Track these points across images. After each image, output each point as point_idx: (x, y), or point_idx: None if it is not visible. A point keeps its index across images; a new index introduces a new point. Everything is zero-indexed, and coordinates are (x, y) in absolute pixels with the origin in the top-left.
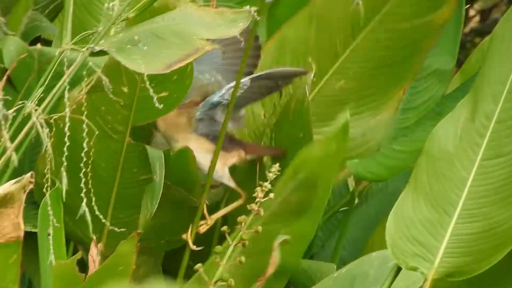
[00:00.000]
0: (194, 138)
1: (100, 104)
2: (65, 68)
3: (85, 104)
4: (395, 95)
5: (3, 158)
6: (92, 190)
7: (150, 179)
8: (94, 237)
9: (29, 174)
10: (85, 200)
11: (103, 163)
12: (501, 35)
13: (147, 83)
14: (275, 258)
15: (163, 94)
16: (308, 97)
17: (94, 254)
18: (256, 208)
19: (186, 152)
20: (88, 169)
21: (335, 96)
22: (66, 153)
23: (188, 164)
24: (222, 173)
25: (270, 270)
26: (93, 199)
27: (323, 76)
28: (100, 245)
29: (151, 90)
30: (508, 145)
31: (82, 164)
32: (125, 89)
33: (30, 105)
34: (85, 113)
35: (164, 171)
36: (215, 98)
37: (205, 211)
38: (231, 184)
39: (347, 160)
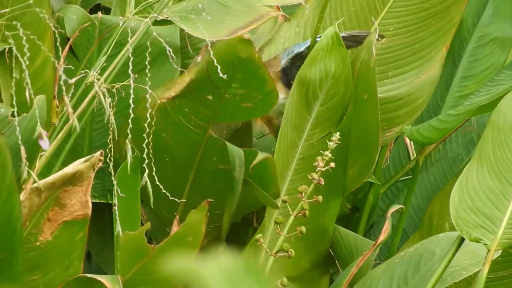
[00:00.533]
0: (280, 86)
1: (183, 106)
2: (128, 37)
3: (164, 107)
4: (438, 52)
5: (66, 127)
6: (170, 173)
7: (228, 170)
8: (177, 216)
9: (98, 153)
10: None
11: (183, 151)
12: None
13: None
14: (387, 226)
15: (248, 104)
16: (374, 57)
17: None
18: (317, 178)
19: (266, 161)
20: (166, 155)
21: (378, 55)
22: (130, 125)
23: (266, 169)
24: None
25: (382, 237)
26: (168, 181)
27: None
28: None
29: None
30: None
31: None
32: (210, 97)
33: (92, 74)
34: (164, 113)
35: (243, 168)
36: (296, 48)
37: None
38: None
39: (397, 121)
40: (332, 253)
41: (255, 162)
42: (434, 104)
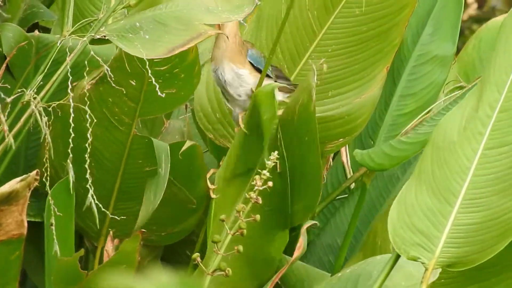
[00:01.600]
0: (249, 65)
1: (107, 95)
2: (68, 56)
3: (88, 95)
4: (379, 72)
5: (1, 146)
6: (94, 179)
7: (155, 171)
8: (111, 232)
9: (34, 172)
10: (91, 191)
11: (108, 154)
12: (508, 25)
13: (153, 79)
14: (302, 242)
15: (171, 90)
16: (314, 101)
17: (109, 249)
18: (255, 197)
19: (194, 148)
20: (91, 159)
21: (318, 75)
22: (71, 145)
23: (195, 159)
24: None
25: (297, 253)
26: (94, 189)
27: (302, 55)
28: (116, 240)
29: (157, 86)
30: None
31: (86, 155)
32: (133, 82)
33: (29, 93)
34: (89, 103)
35: (169, 164)
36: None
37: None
38: None
39: (341, 145)
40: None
41: (183, 148)
42: (373, 122)
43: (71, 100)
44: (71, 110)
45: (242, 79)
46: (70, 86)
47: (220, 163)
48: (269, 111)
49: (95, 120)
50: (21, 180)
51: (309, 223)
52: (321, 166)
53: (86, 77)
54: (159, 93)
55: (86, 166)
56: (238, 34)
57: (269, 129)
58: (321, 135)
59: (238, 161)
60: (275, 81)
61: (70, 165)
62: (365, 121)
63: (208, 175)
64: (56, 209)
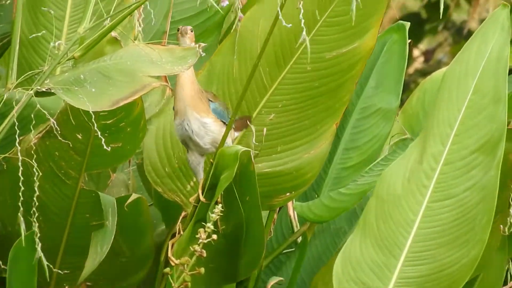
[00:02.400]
0: (213, 115)
1: (54, 149)
2: (13, 109)
3: (35, 149)
4: (328, 128)
5: None
6: (42, 233)
7: (102, 225)
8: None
9: None
10: (39, 246)
11: (55, 208)
12: (450, 77)
13: (99, 133)
14: None
15: (117, 144)
16: (253, 161)
17: None
18: (199, 250)
19: (139, 202)
20: (39, 213)
21: (267, 130)
22: (22, 198)
23: (141, 214)
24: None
25: None
26: (41, 243)
27: (252, 110)
28: None
29: (103, 140)
30: (456, 187)
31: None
32: (79, 136)
33: None
34: (35, 157)
35: (116, 217)
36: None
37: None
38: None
39: (288, 199)
40: None
41: (129, 200)
42: (317, 176)
43: (19, 154)
44: (19, 163)
45: (207, 127)
46: (18, 139)
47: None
48: (229, 171)
49: (40, 174)
50: None
51: (275, 279)
52: (263, 224)
53: (33, 131)
54: (104, 147)
55: (34, 219)
56: (195, 82)
57: (222, 187)
58: (268, 190)
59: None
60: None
61: (22, 219)
62: (314, 176)
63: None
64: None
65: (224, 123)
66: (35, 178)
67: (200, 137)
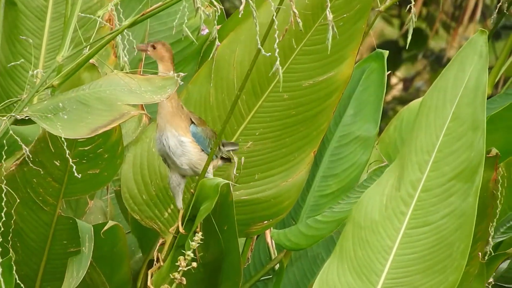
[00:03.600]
0: (190, 136)
1: (31, 176)
2: None
3: (13, 175)
4: (306, 156)
5: None
6: (20, 260)
7: (79, 251)
8: None
9: None
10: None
11: (33, 234)
12: (428, 104)
13: (70, 160)
14: None
15: (95, 171)
16: (232, 192)
17: None
18: (179, 277)
19: (116, 229)
20: (17, 239)
21: (245, 158)
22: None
23: (118, 241)
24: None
25: None
26: (19, 269)
27: (229, 138)
28: None
29: (74, 168)
30: (434, 214)
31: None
32: (57, 163)
33: None
34: (13, 183)
35: (93, 244)
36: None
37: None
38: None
39: (266, 227)
40: None
41: (105, 228)
42: (295, 204)
43: None
44: None
45: (184, 146)
46: None
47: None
48: (208, 202)
49: (18, 200)
50: None
51: None
52: (239, 252)
53: (5, 158)
54: (75, 174)
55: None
56: (175, 98)
57: (201, 218)
58: (246, 217)
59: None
60: (220, 158)
61: None
62: (292, 204)
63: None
64: None
65: (202, 150)
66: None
67: (176, 155)
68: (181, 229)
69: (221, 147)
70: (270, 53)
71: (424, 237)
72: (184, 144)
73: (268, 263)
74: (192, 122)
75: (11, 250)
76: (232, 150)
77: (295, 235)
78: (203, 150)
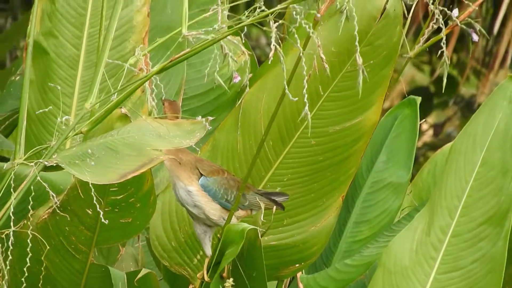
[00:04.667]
0: (197, 185)
1: (63, 224)
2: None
3: (45, 224)
4: (334, 201)
5: None
6: None
7: None
8: None
9: None
10: None
11: (65, 282)
12: (458, 149)
13: (97, 207)
14: None
15: (127, 219)
16: (260, 237)
17: None
18: None
19: (150, 276)
20: (49, 287)
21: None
22: (26, 274)
23: None
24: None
25: None
26: None
27: (257, 184)
28: None
29: (101, 213)
30: (464, 259)
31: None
32: (89, 211)
33: None
34: (46, 232)
35: None
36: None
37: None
38: None
39: (296, 271)
40: None
41: (139, 276)
42: (327, 249)
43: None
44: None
45: (192, 196)
46: (11, 214)
47: None
48: (234, 247)
49: (50, 248)
50: None
51: None
52: None
53: (34, 205)
54: (103, 220)
55: None
56: (181, 152)
57: (226, 262)
58: (276, 262)
59: None
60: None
61: None
62: (320, 249)
63: None
64: None
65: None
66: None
67: (189, 205)
68: (206, 277)
69: (247, 197)
70: (297, 98)
71: (454, 282)
72: (192, 194)
73: None
74: (201, 174)
75: None
76: (282, 199)
77: (324, 279)
78: (214, 201)
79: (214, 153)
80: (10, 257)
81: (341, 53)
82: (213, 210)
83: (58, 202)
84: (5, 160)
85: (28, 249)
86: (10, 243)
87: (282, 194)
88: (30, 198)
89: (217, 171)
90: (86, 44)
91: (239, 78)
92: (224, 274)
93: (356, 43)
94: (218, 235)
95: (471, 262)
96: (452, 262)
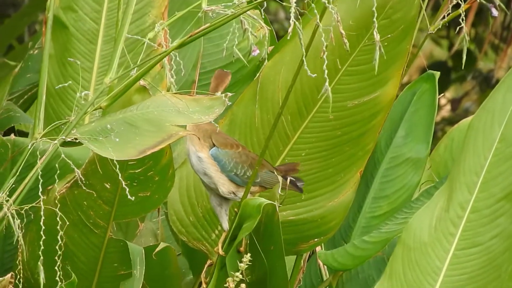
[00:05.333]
0: (207, 152)
1: (82, 199)
2: (38, 159)
3: (63, 198)
4: (352, 176)
5: None
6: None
7: (130, 274)
8: None
9: (9, 275)
10: None
11: (84, 257)
12: (476, 125)
13: (123, 183)
14: None
15: (145, 193)
16: (277, 212)
17: None
18: None
19: (168, 251)
20: (67, 262)
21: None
22: (42, 247)
23: (169, 263)
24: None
25: None
26: None
27: (275, 158)
28: None
29: (127, 190)
30: (483, 235)
31: (57, 258)
32: (107, 186)
33: (1, 196)
34: (64, 206)
35: (144, 267)
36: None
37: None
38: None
39: (315, 246)
40: None
41: (157, 249)
42: (346, 225)
43: (41, 204)
44: (42, 213)
45: (202, 163)
46: (40, 189)
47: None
48: (250, 222)
49: (68, 223)
50: None
51: None
52: (286, 273)
53: (57, 181)
54: (128, 196)
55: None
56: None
57: (242, 236)
58: (294, 237)
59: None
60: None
61: (41, 268)
62: (338, 223)
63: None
64: None
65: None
66: (63, 227)
67: (200, 172)
68: (220, 251)
69: (259, 174)
70: (315, 74)
71: (473, 258)
72: (202, 160)
73: (319, 284)
74: (214, 145)
75: (60, 273)
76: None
77: (342, 256)
78: (223, 172)
79: (232, 127)
80: (32, 234)
81: (359, 27)
82: (222, 181)
83: (80, 176)
84: (23, 134)
85: (44, 224)
86: (32, 219)
87: (298, 179)
88: (55, 176)
89: (230, 145)
90: (105, 18)
91: (257, 51)
92: (241, 249)
93: (374, 19)
94: (236, 210)
95: (489, 238)
96: (471, 238)
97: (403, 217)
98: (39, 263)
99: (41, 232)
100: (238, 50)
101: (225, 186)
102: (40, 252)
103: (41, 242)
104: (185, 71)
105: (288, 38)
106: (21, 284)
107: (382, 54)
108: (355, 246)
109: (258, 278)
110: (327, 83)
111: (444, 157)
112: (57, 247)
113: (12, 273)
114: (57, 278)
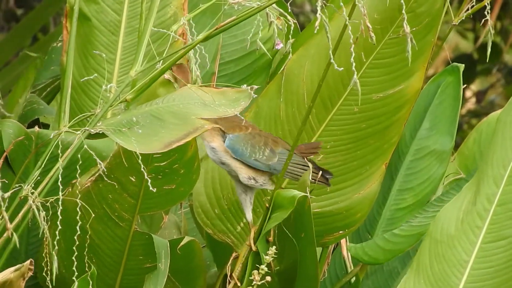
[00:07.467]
0: (218, 139)
1: (107, 192)
2: (62, 151)
3: (88, 191)
4: (377, 169)
5: (1, 239)
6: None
7: (155, 267)
8: None
9: (28, 262)
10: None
11: (109, 250)
12: (504, 119)
13: (145, 175)
14: None
15: (171, 186)
16: (309, 199)
17: None
18: None
19: (193, 244)
20: (92, 255)
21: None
22: (58, 237)
23: (194, 256)
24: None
25: None
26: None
27: None
28: None
29: (149, 181)
30: (509, 228)
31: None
32: (132, 179)
33: (26, 188)
34: (89, 199)
35: (169, 260)
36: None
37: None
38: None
39: (340, 238)
40: None
41: (182, 243)
42: (371, 217)
43: (60, 195)
44: (61, 206)
45: (216, 153)
46: (60, 181)
47: None
48: (281, 212)
49: (93, 215)
50: (15, 270)
51: None
52: (317, 260)
53: (79, 173)
54: (150, 188)
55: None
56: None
57: (273, 224)
58: (319, 229)
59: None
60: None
61: (55, 258)
62: (364, 216)
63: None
64: None
65: (243, 162)
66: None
67: (217, 162)
68: (253, 247)
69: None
70: (342, 68)
71: (499, 251)
72: (216, 150)
73: (344, 276)
74: (223, 132)
75: (86, 265)
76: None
77: (373, 249)
78: (236, 159)
79: (257, 121)
80: (57, 227)
81: (384, 20)
82: (240, 166)
83: (104, 169)
84: (47, 127)
85: (65, 217)
86: (57, 211)
87: (327, 172)
88: (77, 166)
89: (239, 127)
90: (127, 10)
91: (281, 44)
92: (270, 238)
93: (403, 11)
94: (267, 204)
95: None
96: (497, 231)
97: (434, 210)
98: (53, 252)
99: (58, 222)
100: (254, 42)
101: (243, 171)
102: (55, 242)
103: (57, 232)
104: (204, 63)
105: (315, 32)
106: (48, 276)
107: (414, 46)
108: (386, 240)
109: (286, 267)
110: (355, 76)
111: (472, 151)
112: (76, 239)
113: (31, 259)
114: (75, 270)
